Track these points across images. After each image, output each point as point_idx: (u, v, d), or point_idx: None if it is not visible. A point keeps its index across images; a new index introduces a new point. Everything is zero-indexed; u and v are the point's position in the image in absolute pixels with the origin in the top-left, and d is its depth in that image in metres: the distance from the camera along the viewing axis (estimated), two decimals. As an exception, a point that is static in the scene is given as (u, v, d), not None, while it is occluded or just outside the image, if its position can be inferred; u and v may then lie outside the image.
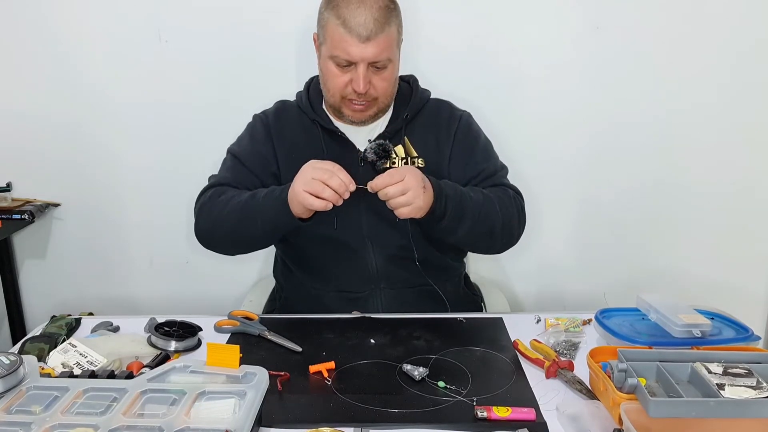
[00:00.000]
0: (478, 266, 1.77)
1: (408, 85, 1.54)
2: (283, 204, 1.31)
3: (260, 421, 1.00)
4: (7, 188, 1.98)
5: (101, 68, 1.90)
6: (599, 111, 1.94)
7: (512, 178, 1.56)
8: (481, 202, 1.39)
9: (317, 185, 1.24)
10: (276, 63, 1.88)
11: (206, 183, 1.51)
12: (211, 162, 1.91)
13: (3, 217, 1.88)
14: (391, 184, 1.25)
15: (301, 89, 1.56)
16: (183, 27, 1.86)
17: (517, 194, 1.50)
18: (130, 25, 1.86)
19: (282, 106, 1.56)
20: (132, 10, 1.85)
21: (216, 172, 1.53)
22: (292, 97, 1.58)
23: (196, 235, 1.47)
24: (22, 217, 1.89)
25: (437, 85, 1.58)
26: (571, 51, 1.89)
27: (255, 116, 1.57)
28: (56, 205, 2.03)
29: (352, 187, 1.25)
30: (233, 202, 1.39)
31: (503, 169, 1.54)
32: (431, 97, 1.55)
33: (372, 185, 1.26)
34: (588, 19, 1.86)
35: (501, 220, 1.41)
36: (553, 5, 1.85)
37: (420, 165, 1.46)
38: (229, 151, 1.54)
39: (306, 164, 1.29)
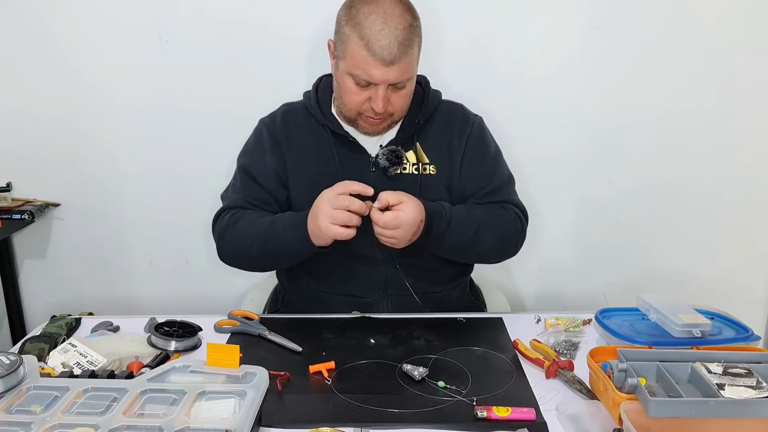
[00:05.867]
0: (479, 266, 1.77)
1: (420, 86, 1.50)
2: (304, 239, 1.32)
3: (260, 421, 1.00)
4: (7, 188, 1.98)
5: (101, 68, 1.90)
6: (599, 111, 1.94)
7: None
8: (475, 230, 1.39)
9: (343, 215, 1.26)
10: (278, 63, 1.88)
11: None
12: (211, 163, 1.93)
13: (3, 217, 1.88)
14: (385, 228, 1.27)
15: (308, 89, 1.54)
16: (183, 27, 1.86)
17: (520, 213, 1.49)
18: (130, 25, 1.86)
19: (288, 109, 1.53)
20: (132, 9, 1.84)
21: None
22: (296, 97, 1.56)
23: (222, 260, 1.49)
24: (22, 217, 1.89)
25: (437, 85, 1.58)
26: (572, 51, 1.89)
27: (261, 121, 1.54)
28: (56, 205, 2.03)
29: (370, 191, 1.28)
30: (252, 233, 1.39)
31: (510, 183, 1.53)
32: (443, 98, 1.53)
33: (372, 215, 1.28)
34: (588, 20, 1.86)
35: (493, 243, 1.43)
36: (553, 5, 1.85)
37: (431, 172, 1.46)
38: (239, 165, 1.51)
39: (318, 198, 1.29)
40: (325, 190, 1.30)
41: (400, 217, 1.27)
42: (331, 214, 1.26)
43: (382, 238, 1.31)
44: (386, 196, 1.28)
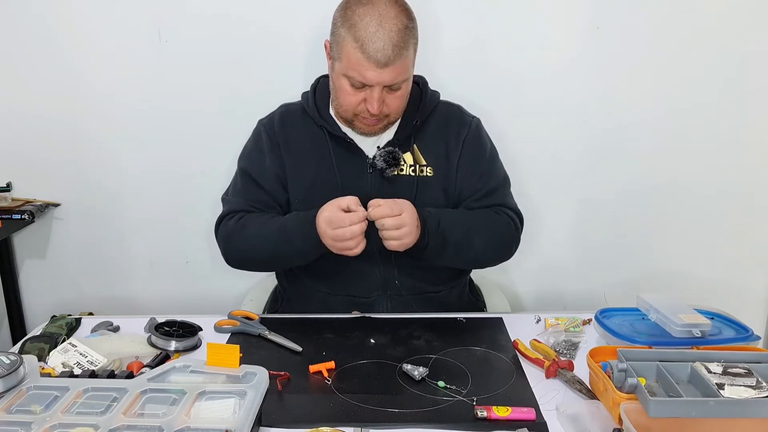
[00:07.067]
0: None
1: (417, 86, 1.49)
2: (315, 245, 1.34)
3: (260, 421, 1.00)
4: (7, 188, 1.98)
5: (101, 68, 1.90)
6: (599, 111, 1.94)
7: (512, 179, 1.56)
8: (466, 231, 1.40)
9: (345, 244, 1.29)
10: (278, 63, 1.88)
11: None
12: (211, 163, 1.93)
13: (3, 217, 1.88)
14: (389, 216, 1.28)
15: (307, 89, 1.54)
16: (183, 27, 1.86)
17: (514, 216, 1.49)
18: (130, 25, 1.86)
19: (286, 110, 1.53)
20: (132, 9, 1.85)
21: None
22: (295, 97, 1.56)
23: (228, 264, 1.50)
24: (22, 217, 1.89)
25: (435, 85, 1.58)
26: (572, 51, 1.89)
27: (259, 123, 1.54)
28: (56, 205, 2.03)
29: (363, 213, 1.29)
30: (261, 240, 1.40)
31: (506, 185, 1.53)
32: (441, 99, 1.53)
33: (371, 214, 1.29)
34: (588, 20, 1.86)
35: (485, 248, 1.44)
36: (553, 5, 1.85)
37: (429, 174, 1.46)
38: (240, 168, 1.52)
39: (318, 222, 1.31)
40: (320, 213, 1.31)
41: (398, 201, 1.30)
42: (333, 245, 1.30)
43: (389, 234, 1.30)
44: (375, 200, 1.30)
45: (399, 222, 1.29)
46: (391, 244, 1.32)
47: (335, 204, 1.30)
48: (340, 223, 1.28)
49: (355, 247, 1.30)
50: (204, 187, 1.95)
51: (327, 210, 1.30)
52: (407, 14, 1.32)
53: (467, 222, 1.42)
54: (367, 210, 1.30)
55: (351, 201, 1.29)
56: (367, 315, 1.42)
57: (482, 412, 1.02)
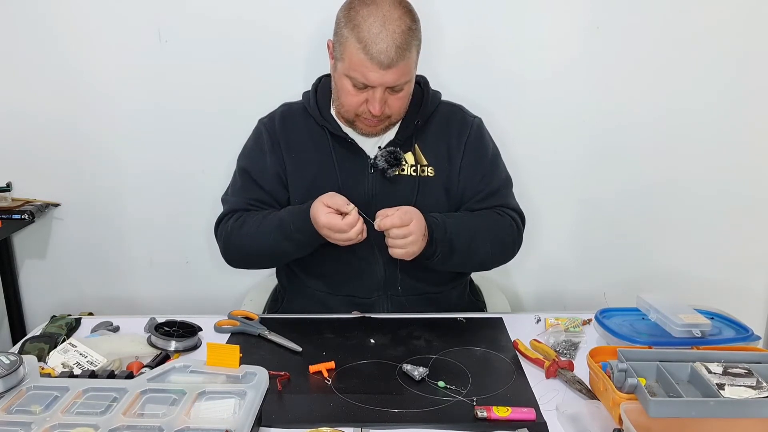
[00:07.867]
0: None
1: (419, 86, 1.49)
2: (315, 237, 1.33)
3: (260, 421, 1.00)
4: (7, 188, 1.98)
5: (101, 68, 1.90)
6: (600, 111, 1.94)
7: (513, 179, 1.56)
8: (472, 236, 1.40)
9: (353, 242, 1.29)
10: (278, 63, 1.88)
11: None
12: (211, 163, 1.93)
13: (3, 217, 1.88)
14: (397, 226, 1.28)
15: (307, 89, 1.53)
16: (183, 27, 1.86)
17: (517, 217, 1.49)
18: (130, 25, 1.86)
19: (287, 109, 1.53)
20: (132, 9, 1.85)
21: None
22: (295, 97, 1.56)
23: (228, 263, 1.50)
24: (22, 217, 1.89)
25: (437, 86, 1.58)
26: (572, 51, 1.89)
27: (260, 122, 1.54)
28: (56, 205, 2.03)
29: (355, 213, 1.28)
30: (261, 237, 1.40)
31: (508, 185, 1.53)
32: (443, 99, 1.53)
33: (379, 225, 1.29)
34: (588, 20, 1.86)
35: (490, 252, 1.44)
36: (553, 5, 1.85)
37: (430, 174, 1.46)
38: (240, 166, 1.51)
39: (320, 228, 1.30)
40: (316, 219, 1.30)
41: (408, 210, 1.29)
42: (339, 243, 1.30)
43: (394, 242, 1.30)
44: (383, 210, 1.30)
45: (406, 231, 1.29)
46: (396, 252, 1.31)
47: (322, 202, 1.29)
48: (340, 229, 1.28)
49: (362, 238, 1.31)
50: (204, 187, 1.95)
51: (321, 216, 1.28)
52: (411, 15, 1.32)
53: (472, 227, 1.42)
54: (374, 218, 1.29)
55: (340, 203, 1.28)
56: (367, 315, 1.42)
57: (482, 413, 1.02)
